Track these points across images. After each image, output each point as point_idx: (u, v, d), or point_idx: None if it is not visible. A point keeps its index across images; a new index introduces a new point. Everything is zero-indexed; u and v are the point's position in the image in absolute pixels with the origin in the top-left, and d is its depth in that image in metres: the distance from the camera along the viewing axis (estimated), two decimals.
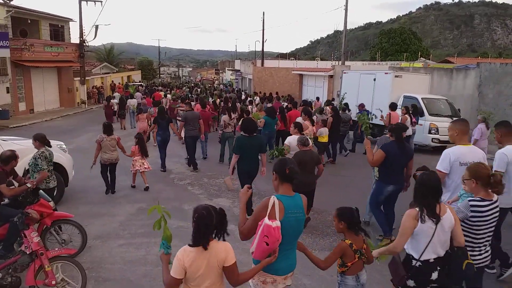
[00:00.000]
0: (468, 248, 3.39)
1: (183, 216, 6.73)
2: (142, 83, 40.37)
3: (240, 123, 7.93)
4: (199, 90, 31.95)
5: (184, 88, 36.37)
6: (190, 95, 23.71)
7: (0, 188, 4.73)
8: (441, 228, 3.13)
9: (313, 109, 14.43)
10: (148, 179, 8.92)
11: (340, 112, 12.29)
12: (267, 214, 2.87)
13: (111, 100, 19.27)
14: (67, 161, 7.69)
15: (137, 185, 8.72)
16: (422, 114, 13.12)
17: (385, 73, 15.36)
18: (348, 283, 3.30)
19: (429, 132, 13.01)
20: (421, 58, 46.50)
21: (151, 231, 2.86)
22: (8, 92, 21.17)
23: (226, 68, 61.15)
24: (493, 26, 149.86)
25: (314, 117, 11.47)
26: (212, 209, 2.65)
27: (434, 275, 3.16)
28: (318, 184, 6.56)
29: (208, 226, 2.59)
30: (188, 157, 10.58)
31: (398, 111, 12.11)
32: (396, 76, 14.47)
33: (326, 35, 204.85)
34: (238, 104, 15.66)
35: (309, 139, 6.65)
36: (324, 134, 10.50)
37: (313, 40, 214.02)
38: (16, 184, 5.19)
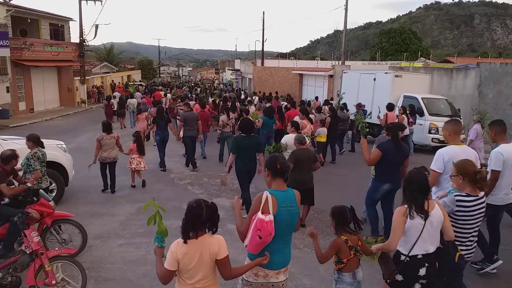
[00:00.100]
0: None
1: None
2: (142, 83, 40.37)
3: (238, 123, 7.97)
4: (198, 90, 31.94)
5: (184, 87, 36.36)
6: (190, 94, 23.71)
7: (1, 187, 4.73)
8: (430, 224, 3.21)
9: (313, 108, 14.45)
10: (148, 179, 8.92)
11: (338, 111, 12.39)
12: (261, 208, 2.95)
13: (111, 100, 19.28)
14: (67, 160, 7.68)
15: (137, 184, 8.73)
16: (422, 114, 13.14)
17: (385, 73, 15.36)
18: (345, 280, 3.37)
19: (429, 132, 13.02)
20: (421, 58, 46.51)
21: (151, 231, 2.89)
22: (8, 91, 21.18)
23: (226, 68, 61.17)
24: (493, 26, 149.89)
25: (313, 116, 11.56)
26: (203, 202, 2.71)
27: (422, 271, 3.23)
28: (318, 184, 6.57)
29: (197, 217, 2.65)
30: (186, 155, 10.65)
31: (396, 111, 12.16)
32: (396, 76, 14.47)
33: (326, 35, 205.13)
34: (238, 103, 15.68)
35: (306, 138, 6.71)
36: (322, 134, 10.62)
37: (313, 40, 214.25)
38: (16, 183, 5.20)
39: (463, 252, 3.57)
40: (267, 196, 3.00)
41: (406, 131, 10.71)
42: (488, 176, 4.67)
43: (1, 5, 20.96)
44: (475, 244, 3.79)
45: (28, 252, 4.13)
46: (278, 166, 3.11)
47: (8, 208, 4.74)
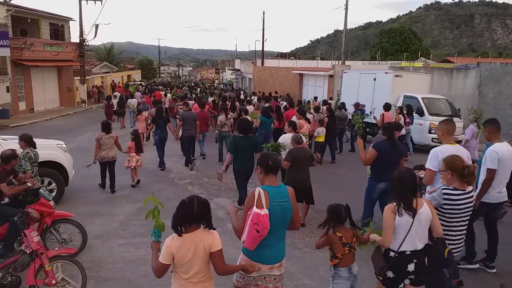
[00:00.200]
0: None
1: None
2: (142, 83, 40.39)
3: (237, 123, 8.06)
4: (198, 89, 31.95)
5: (184, 87, 36.36)
6: (190, 94, 23.73)
7: (1, 187, 4.73)
8: (418, 221, 3.31)
9: (311, 108, 14.50)
10: (148, 179, 8.94)
11: (336, 111, 12.56)
12: (255, 203, 3.04)
13: (112, 99, 19.29)
14: (67, 160, 7.68)
15: (137, 181, 8.74)
16: (422, 114, 13.14)
17: (385, 73, 15.34)
18: (342, 274, 3.52)
19: (429, 132, 13.01)
20: (421, 57, 46.51)
21: (151, 230, 2.90)
22: (8, 91, 21.17)
23: (226, 68, 61.19)
24: (493, 26, 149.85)
25: (311, 116, 11.69)
26: (196, 199, 2.78)
27: (411, 267, 3.33)
28: (317, 184, 6.58)
29: (188, 213, 2.72)
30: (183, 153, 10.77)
31: (392, 111, 12.23)
32: (396, 76, 14.45)
33: (326, 35, 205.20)
34: (238, 103, 15.71)
35: (303, 137, 6.80)
36: (321, 134, 10.79)
37: (313, 40, 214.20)
38: (16, 183, 5.19)
39: (451, 247, 3.64)
40: (259, 191, 3.09)
41: (403, 131, 10.95)
42: (483, 176, 4.79)
43: (1, 5, 20.96)
44: (463, 240, 3.87)
45: (28, 252, 4.13)
46: (270, 162, 3.20)
47: (8, 207, 4.74)
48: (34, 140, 6.00)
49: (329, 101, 16.79)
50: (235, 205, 3.49)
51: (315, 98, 20.84)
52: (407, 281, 3.39)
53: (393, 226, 3.33)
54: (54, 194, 7.01)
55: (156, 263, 2.75)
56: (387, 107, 12.08)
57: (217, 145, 11.41)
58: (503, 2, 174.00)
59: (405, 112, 12.17)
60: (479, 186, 4.89)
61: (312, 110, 13.19)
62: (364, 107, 14.67)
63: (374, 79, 15.15)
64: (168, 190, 8.63)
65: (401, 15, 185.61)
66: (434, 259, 3.41)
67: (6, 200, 4.92)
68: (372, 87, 15.14)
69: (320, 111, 12.38)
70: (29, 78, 23.34)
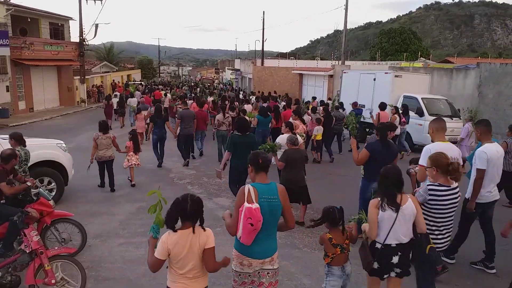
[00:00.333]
0: (428, 231, 3.70)
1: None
2: (142, 82, 40.37)
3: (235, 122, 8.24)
4: (198, 89, 31.97)
5: (184, 87, 36.37)
6: (190, 94, 23.75)
7: (1, 186, 4.72)
8: (402, 216, 3.44)
9: (309, 108, 14.56)
10: (148, 178, 8.94)
11: (333, 111, 12.75)
12: (245, 200, 3.14)
13: (112, 99, 19.29)
14: (67, 160, 7.68)
15: (137, 183, 8.75)
16: (422, 114, 13.15)
17: (385, 73, 15.36)
18: (334, 273, 3.68)
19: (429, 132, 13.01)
20: (421, 58, 46.51)
21: (150, 228, 2.92)
22: (7, 90, 21.16)
23: (226, 68, 61.17)
24: (493, 26, 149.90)
25: (309, 117, 11.91)
26: (189, 197, 2.87)
27: (395, 259, 3.47)
28: (317, 183, 6.60)
29: (182, 211, 2.81)
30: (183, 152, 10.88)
31: (388, 111, 12.26)
32: (396, 76, 14.47)
33: (326, 35, 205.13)
34: (237, 103, 15.77)
35: (299, 138, 6.96)
36: (320, 132, 11.13)
37: (313, 40, 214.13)
38: (16, 182, 5.19)
39: (437, 242, 3.82)
40: (249, 188, 3.21)
41: (398, 131, 11.24)
42: (474, 176, 4.90)
43: (1, 4, 20.95)
44: (449, 235, 3.99)
45: (27, 251, 4.13)
46: (260, 161, 3.32)
47: (8, 207, 4.73)
48: (34, 139, 6.01)
49: (327, 101, 16.85)
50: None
51: (314, 98, 20.86)
52: (393, 274, 3.53)
53: (377, 220, 3.48)
54: (53, 193, 7.00)
55: (152, 259, 2.83)
56: (382, 106, 12.16)
57: (216, 145, 11.45)
58: (503, 3, 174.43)
59: (401, 111, 12.22)
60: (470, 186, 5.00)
61: (309, 111, 13.29)
62: (364, 107, 14.70)
63: (374, 79, 15.16)
64: (167, 190, 8.61)
65: (401, 15, 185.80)
66: (418, 254, 3.55)
67: (2, 200, 4.91)
68: (372, 87, 15.15)
69: (316, 111, 12.53)
70: (28, 78, 23.32)
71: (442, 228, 3.90)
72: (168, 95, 21.37)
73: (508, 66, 15.27)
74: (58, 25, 27.94)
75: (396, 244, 3.47)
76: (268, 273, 3.29)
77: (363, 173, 6.16)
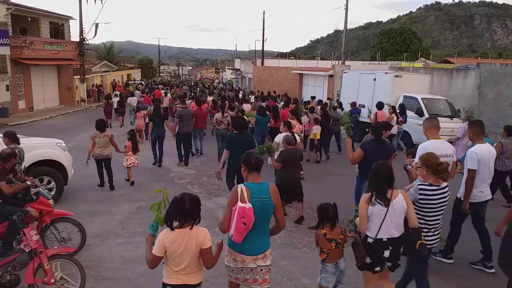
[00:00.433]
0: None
1: None
2: (142, 82, 40.36)
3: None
4: (198, 89, 31.98)
5: (184, 87, 36.36)
6: (190, 93, 23.75)
7: (0, 185, 4.72)
8: (393, 211, 3.54)
9: (308, 108, 14.61)
10: (148, 178, 8.95)
11: (331, 111, 12.93)
12: (238, 199, 3.23)
13: (113, 98, 19.31)
14: (67, 159, 7.68)
15: (136, 183, 8.76)
16: (422, 114, 13.14)
17: (385, 73, 15.35)
18: (328, 269, 3.81)
19: None
20: (421, 58, 46.51)
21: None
22: (7, 90, 21.15)
23: (226, 67, 61.20)
24: (493, 26, 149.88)
25: (307, 119, 12.04)
26: (187, 196, 2.96)
27: (386, 253, 3.57)
28: (317, 183, 6.61)
29: (180, 210, 2.89)
30: (184, 153, 10.94)
31: (386, 110, 12.33)
32: (396, 76, 14.46)
33: (326, 35, 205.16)
34: (236, 103, 15.79)
35: (296, 137, 7.11)
36: (317, 131, 11.29)
37: (313, 40, 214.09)
38: (15, 181, 5.18)
39: (428, 239, 3.90)
40: (241, 188, 3.30)
41: (394, 130, 11.39)
42: (465, 176, 4.99)
43: (1, 4, 20.93)
44: (438, 233, 4.08)
45: (27, 251, 4.13)
46: (253, 161, 3.41)
47: (8, 206, 4.72)
48: (34, 138, 6.01)
49: (326, 101, 16.91)
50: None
51: (313, 98, 20.86)
52: (384, 267, 3.65)
53: (366, 214, 3.59)
54: (53, 192, 7.00)
55: (150, 255, 2.93)
56: (380, 106, 12.24)
57: (216, 144, 11.46)
58: (503, 3, 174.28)
59: (398, 111, 12.26)
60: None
61: (307, 111, 13.37)
62: (364, 107, 14.70)
63: (374, 79, 15.15)
64: (167, 190, 8.61)
65: (401, 15, 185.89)
66: (410, 249, 3.64)
67: None
68: (372, 88, 15.15)
69: (314, 111, 12.64)
70: (28, 77, 23.32)
71: (431, 226, 4.00)
72: (168, 94, 21.40)
73: (508, 67, 15.26)
74: (58, 25, 27.93)
75: (387, 238, 3.57)
76: (261, 270, 3.39)
77: (357, 171, 6.30)
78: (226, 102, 15.34)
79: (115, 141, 8.44)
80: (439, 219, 4.03)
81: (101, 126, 8.32)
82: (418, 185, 3.97)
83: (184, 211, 2.90)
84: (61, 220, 5.17)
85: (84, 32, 27.93)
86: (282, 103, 15.42)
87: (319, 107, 13.52)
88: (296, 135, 7.61)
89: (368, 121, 13.14)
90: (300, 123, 10.86)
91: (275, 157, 6.87)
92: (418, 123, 13.07)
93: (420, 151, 4.73)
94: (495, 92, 15.36)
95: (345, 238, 3.89)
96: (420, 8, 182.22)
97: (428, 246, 3.84)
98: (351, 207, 4.25)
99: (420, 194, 3.91)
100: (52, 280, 4.09)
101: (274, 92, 25.18)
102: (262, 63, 38.89)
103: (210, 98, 18.33)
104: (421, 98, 13.53)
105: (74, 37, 29.53)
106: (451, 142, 6.46)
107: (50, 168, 7.25)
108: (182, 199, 2.92)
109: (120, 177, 8.93)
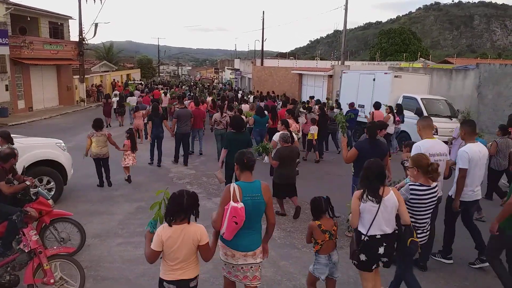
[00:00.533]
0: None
1: None
2: (142, 82, 40.35)
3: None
4: (197, 89, 31.98)
5: (183, 87, 36.36)
6: (189, 93, 23.76)
7: (0, 185, 4.72)
8: (384, 207, 3.61)
9: (306, 107, 14.66)
10: (147, 178, 8.95)
11: (328, 111, 13.03)
12: (231, 198, 3.31)
13: (112, 98, 19.30)
14: (66, 159, 7.67)
15: (135, 182, 8.76)
16: (421, 115, 13.15)
17: (385, 73, 15.35)
18: (321, 261, 3.86)
19: None
20: (421, 58, 46.56)
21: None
22: (7, 89, 21.12)
23: (226, 67, 61.23)
24: (492, 27, 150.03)
25: (304, 119, 12.11)
26: (185, 192, 3.05)
27: (381, 250, 3.63)
28: (316, 182, 6.63)
29: (179, 206, 2.98)
30: (184, 153, 10.95)
31: (383, 110, 12.36)
32: (395, 76, 14.47)
33: (325, 35, 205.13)
34: (236, 103, 15.81)
35: (294, 135, 7.25)
36: (315, 131, 11.44)
37: (312, 40, 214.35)
38: (15, 181, 5.18)
39: (419, 237, 3.98)
40: (233, 187, 3.38)
41: (391, 130, 11.50)
42: (457, 175, 5.07)
43: (1, 3, 20.91)
44: (428, 231, 4.18)
45: (26, 251, 4.12)
46: (245, 160, 3.49)
47: (7, 206, 4.72)
48: (33, 138, 6.01)
49: (324, 101, 16.96)
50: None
51: (311, 97, 20.88)
52: (380, 264, 3.70)
53: (358, 210, 3.67)
54: (52, 192, 7.00)
55: (149, 250, 3.04)
56: (377, 105, 12.29)
57: (215, 144, 11.50)
58: (503, 3, 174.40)
59: (395, 111, 12.28)
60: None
61: (305, 111, 13.42)
62: (363, 107, 14.71)
63: (374, 80, 15.16)
64: (169, 190, 8.61)
65: (400, 15, 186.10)
66: (402, 245, 3.71)
67: None
68: (371, 88, 15.16)
69: (312, 110, 12.68)
70: (28, 77, 23.28)
71: (421, 225, 4.09)
72: (167, 94, 21.40)
73: (507, 67, 15.29)
74: (57, 24, 27.90)
75: (380, 235, 3.63)
76: (251, 267, 3.48)
77: (353, 170, 6.36)
78: (226, 102, 15.37)
79: (113, 140, 8.50)
80: (428, 217, 4.14)
81: (97, 125, 8.39)
82: (409, 185, 4.05)
83: (182, 207, 2.99)
84: (61, 220, 5.17)
85: (83, 32, 27.93)
86: (280, 103, 15.49)
87: (317, 106, 13.55)
88: (293, 133, 7.70)
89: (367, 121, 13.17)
90: (297, 122, 10.94)
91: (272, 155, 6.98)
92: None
93: (414, 150, 4.79)
94: (494, 92, 15.39)
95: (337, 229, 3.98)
96: (419, 8, 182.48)
97: (420, 243, 3.91)
98: (347, 207, 4.33)
99: (411, 194, 3.99)
100: (52, 280, 4.08)
101: (273, 92, 25.19)
102: (262, 63, 38.91)
103: (209, 98, 18.34)
104: (421, 99, 13.54)
105: (74, 37, 29.59)
106: (447, 142, 6.49)
107: (50, 168, 7.24)
108: (180, 195, 3.02)
109: (119, 177, 8.93)
